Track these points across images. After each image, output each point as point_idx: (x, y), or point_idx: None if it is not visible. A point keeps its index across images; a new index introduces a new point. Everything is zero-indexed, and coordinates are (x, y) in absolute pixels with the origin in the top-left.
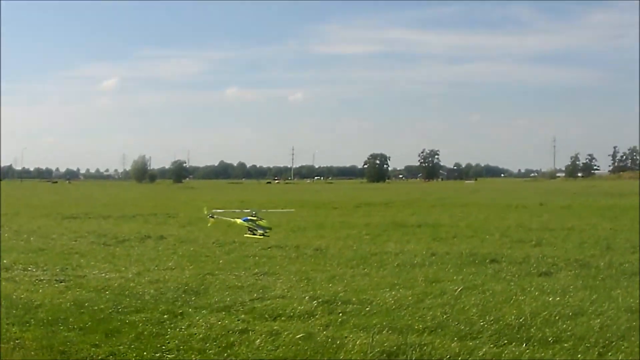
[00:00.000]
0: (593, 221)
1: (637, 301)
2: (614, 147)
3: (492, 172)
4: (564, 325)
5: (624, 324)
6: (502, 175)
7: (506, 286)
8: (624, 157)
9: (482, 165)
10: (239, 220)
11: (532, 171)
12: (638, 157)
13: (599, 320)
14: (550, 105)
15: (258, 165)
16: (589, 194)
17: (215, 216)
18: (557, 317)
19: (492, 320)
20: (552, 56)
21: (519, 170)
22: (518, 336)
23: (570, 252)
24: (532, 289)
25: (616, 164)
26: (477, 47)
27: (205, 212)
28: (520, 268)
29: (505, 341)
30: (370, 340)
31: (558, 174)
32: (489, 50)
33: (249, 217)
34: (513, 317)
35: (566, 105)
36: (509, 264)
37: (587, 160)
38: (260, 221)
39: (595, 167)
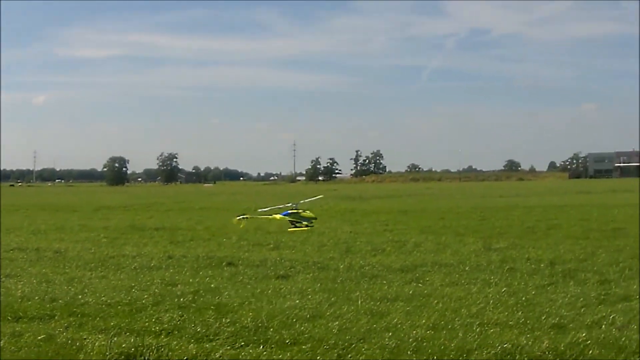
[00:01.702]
0: (333, 224)
1: (377, 303)
2: (357, 151)
3: (231, 175)
4: (302, 328)
5: (364, 326)
6: (242, 178)
7: (243, 289)
8: (367, 161)
9: (221, 168)
10: (278, 216)
11: (272, 175)
12: (381, 161)
13: (337, 323)
14: (293, 109)
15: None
16: (329, 197)
17: (247, 216)
18: (294, 320)
19: (228, 323)
20: (296, 60)
21: (259, 173)
22: (255, 338)
23: (309, 255)
24: (270, 291)
25: (358, 167)
26: (222, 51)
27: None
28: (257, 271)
29: (243, 343)
30: (109, 342)
31: (298, 178)
32: (233, 54)
33: (290, 211)
34: (250, 319)
35: (308, 109)
36: (246, 267)
37: (329, 164)
38: (304, 213)
39: (337, 171)
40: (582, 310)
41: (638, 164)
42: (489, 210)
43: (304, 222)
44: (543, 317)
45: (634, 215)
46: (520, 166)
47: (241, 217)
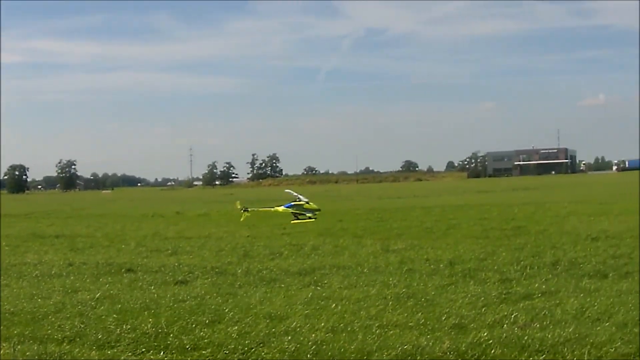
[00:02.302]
0: (231, 229)
1: (276, 307)
2: (253, 155)
3: (129, 181)
4: (202, 333)
5: (263, 330)
6: (139, 184)
7: (143, 295)
8: (263, 164)
9: (119, 174)
10: (280, 208)
11: (170, 180)
12: (277, 164)
13: (237, 327)
14: (190, 113)
15: None
16: (226, 202)
17: (249, 209)
18: (194, 325)
19: (129, 329)
20: (192, 64)
21: (156, 179)
22: (156, 344)
23: (207, 260)
24: (169, 297)
25: (255, 171)
26: (119, 55)
27: (238, 207)
28: (156, 277)
29: (144, 349)
30: (12, 350)
31: (195, 183)
32: (130, 59)
33: (293, 203)
34: (150, 325)
35: (205, 113)
36: (145, 273)
37: (225, 168)
38: (307, 204)
39: (234, 175)
40: (483, 309)
41: (537, 162)
42: (386, 212)
43: (307, 214)
44: (443, 318)
45: (535, 213)
46: (418, 166)
47: (243, 209)
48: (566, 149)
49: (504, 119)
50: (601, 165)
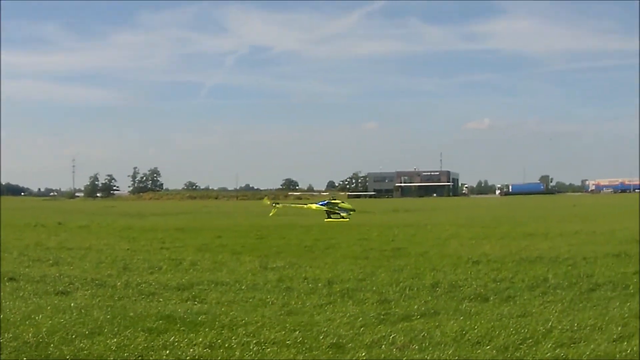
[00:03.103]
0: (111, 241)
1: (155, 321)
2: (134, 168)
3: (13, 190)
4: (82, 344)
5: (142, 344)
6: (23, 193)
7: (24, 304)
8: (144, 178)
9: (3, 183)
10: (314, 206)
11: (52, 190)
12: (158, 178)
13: (116, 340)
14: (75, 124)
15: None
16: (107, 214)
17: (279, 204)
18: (74, 336)
19: (11, 338)
20: (78, 75)
21: (39, 189)
22: (37, 354)
23: (87, 272)
24: (49, 307)
25: (136, 184)
26: (5, 64)
27: (268, 202)
28: (37, 287)
29: (25, 359)
30: None
31: (77, 194)
32: (17, 68)
33: (328, 201)
34: (31, 335)
35: (89, 124)
36: (26, 283)
37: (107, 180)
38: (342, 204)
39: (115, 188)
40: (361, 329)
41: (419, 184)
42: (266, 229)
43: (342, 213)
44: (321, 337)
45: (415, 235)
46: (298, 185)
47: (274, 204)
48: (448, 172)
49: (387, 140)
50: (484, 189)
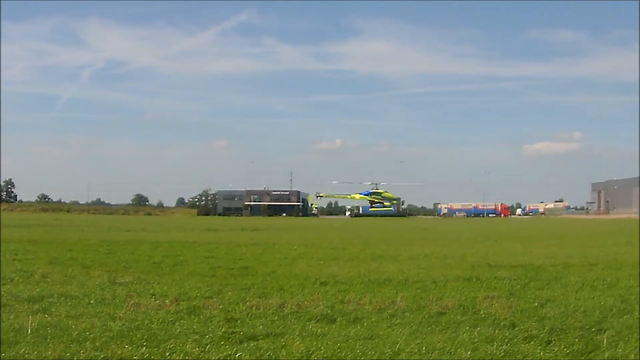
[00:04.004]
0: None
1: (6, 333)
2: None
3: None
4: None
5: None
6: None
7: None
8: None
9: None
10: (358, 196)
11: None
12: (12, 190)
13: None
14: None
15: None
16: None
17: (322, 196)
18: None
19: None
20: None
21: None
22: None
23: None
24: None
25: None
26: None
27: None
28: None
29: None
30: None
31: None
32: None
33: (371, 190)
34: None
35: None
36: None
37: None
38: (385, 193)
39: None
40: (207, 347)
41: (269, 203)
42: (115, 244)
43: (385, 203)
44: (167, 354)
45: (263, 254)
46: (148, 201)
47: (317, 195)
48: (298, 192)
49: (237, 158)
50: (334, 209)
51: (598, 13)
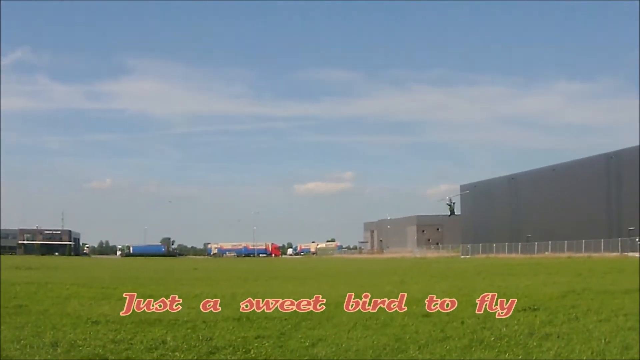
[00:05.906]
0: None
1: None
2: None
3: None
4: None
5: None
6: None
7: None
8: None
9: None
10: None
11: None
12: None
13: None
14: None
15: None
16: None
17: None
18: None
19: None
20: None
21: None
22: None
23: None
24: None
25: None
26: None
27: None
28: None
29: None
30: None
31: None
32: None
33: None
34: None
35: None
36: None
37: None
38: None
39: None
40: None
41: (41, 242)
42: None
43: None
44: None
45: (36, 292)
46: None
47: None
48: (70, 231)
49: (9, 196)
50: (105, 249)
51: (372, 52)
